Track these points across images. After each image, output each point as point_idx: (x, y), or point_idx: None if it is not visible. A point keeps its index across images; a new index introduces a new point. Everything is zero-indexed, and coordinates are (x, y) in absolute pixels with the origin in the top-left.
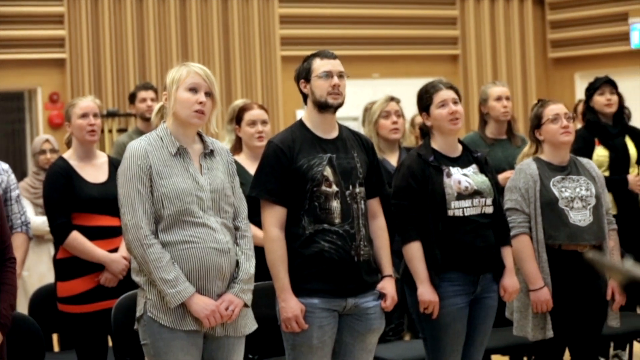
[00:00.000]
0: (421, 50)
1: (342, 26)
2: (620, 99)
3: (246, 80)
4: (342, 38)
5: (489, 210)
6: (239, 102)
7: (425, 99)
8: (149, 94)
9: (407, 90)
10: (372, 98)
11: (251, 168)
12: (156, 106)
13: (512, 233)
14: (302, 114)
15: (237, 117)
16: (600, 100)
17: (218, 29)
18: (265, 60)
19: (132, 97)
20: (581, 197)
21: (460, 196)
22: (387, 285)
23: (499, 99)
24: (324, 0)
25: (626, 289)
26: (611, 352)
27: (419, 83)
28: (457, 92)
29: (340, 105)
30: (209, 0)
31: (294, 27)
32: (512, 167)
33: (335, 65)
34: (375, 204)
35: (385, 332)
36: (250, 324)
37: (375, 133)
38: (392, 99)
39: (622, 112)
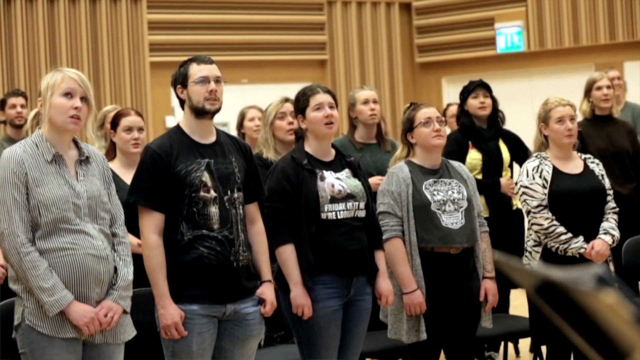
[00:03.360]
0: (289, 56)
1: (210, 32)
2: (495, 102)
3: (115, 86)
4: (211, 44)
5: (362, 214)
6: (108, 107)
7: (301, 102)
8: (19, 100)
9: (276, 95)
10: (241, 104)
11: (125, 175)
12: (31, 113)
13: (384, 236)
14: (172, 120)
15: (113, 122)
16: (474, 103)
17: (87, 35)
18: (134, 66)
19: (2, 104)
20: (453, 200)
21: (334, 199)
22: (267, 291)
23: (366, 102)
24: (192, 6)
25: (538, 291)
26: (485, 353)
27: (288, 88)
28: (334, 97)
29: (217, 110)
30: (77, 6)
31: (163, 33)
32: (380, 172)
33: (212, 70)
34: (253, 209)
35: (274, 338)
36: (129, 331)
37: (272, 135)
38: (287, 100)
39: (496, 116)
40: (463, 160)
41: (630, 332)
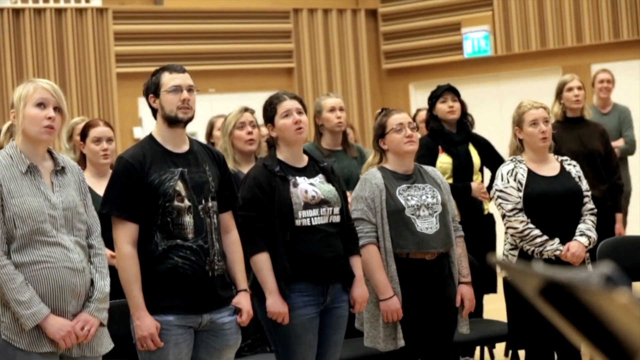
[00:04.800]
0: (256, 64)
1: (177, 42)
2: (463, 106)
3: (82, 98)
4: (178, 53)
5: (337, 219)
6: (76, 119)
7: (269, 110)
8: None
9: (243, 104)
10: (209, 113)
11: (96, 186)
12: (4, 125)
13: (359, 243)
14: (140, 131)
15: (82, 134)
16: (443, 107)
17: (52, 46)
18: (100, 78)
19: None
20: (427, 205)
21: (308, 205)
22: (243, 300)
23: (332, 110)
24: (158, 16)
25: (544, 293)
26: (460, 358)
27: (255, 97)
28: (301, 102)
29: (190, 119)
30: (43, 17)
31: (129, 44)
32: (347, 178)
33: (184, 79)
34: (227, 218)
35: (241, 347)
36: (106, 344)
37: (231, 144)
38: (246, 109)
39: (465, 120)
40: (433, 165)
41: None
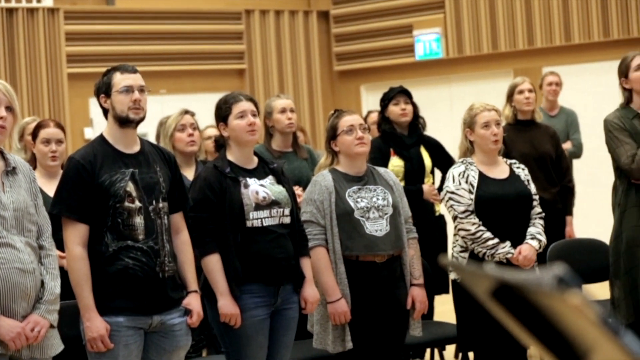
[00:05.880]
0: (207, 66)
1: (128, 42)
2: (415, 108)
3: (33, 98)
4: (129, 54)
5: (287, 220)
6: (27, 119)
7: (224, 109)
8: None
9: (194, 105)
10: (160, 114)
11: (45, 186)
12: None
13: (309, 245)
14: (90, 131)
15: (33, 134)
16: (395, 110)
17: (3, 46)
18: (51, 78)
19: None
20: (377, 207)
21: (259, 207)
22: (193, 301)
23: (283, 111)
24: (109, 17)
25: (495, 294)
26: None
27: (206, 98)
28: (256, 105)
29: (141, 119)
30: None
31: (80, 44)
32: (297, 180)
33: (136, 79)
34: (178, 219)
35: None
36: (56, 345)
37: (172, 147)
38: (187, 112)
39: (417, 122)
40: (385, 167)
41: (592, 333)
